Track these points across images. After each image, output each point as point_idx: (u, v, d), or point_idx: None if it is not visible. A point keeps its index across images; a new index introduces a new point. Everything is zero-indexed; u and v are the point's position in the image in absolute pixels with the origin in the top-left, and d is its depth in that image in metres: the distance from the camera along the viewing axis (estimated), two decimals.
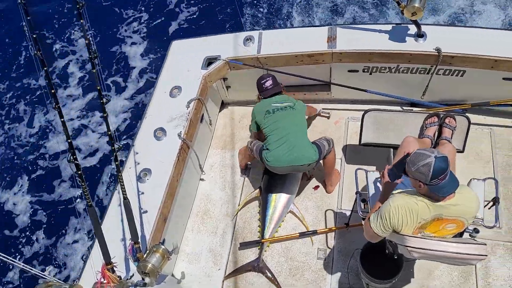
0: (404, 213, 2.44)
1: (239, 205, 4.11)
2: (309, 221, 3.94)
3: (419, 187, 2.38)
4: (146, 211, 3.39)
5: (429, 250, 2.40)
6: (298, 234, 3.82)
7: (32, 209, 6.03)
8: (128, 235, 2.84)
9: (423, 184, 2.32)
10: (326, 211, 3.97)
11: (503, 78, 3.76)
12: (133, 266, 2.95)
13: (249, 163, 4.30)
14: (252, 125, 3.93)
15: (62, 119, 1.98)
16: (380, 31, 3.90)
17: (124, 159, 3.69)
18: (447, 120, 3.49)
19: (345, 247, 3.75)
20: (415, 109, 4.15)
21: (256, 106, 3.90)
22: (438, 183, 2.28)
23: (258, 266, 3.77)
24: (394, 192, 2.73)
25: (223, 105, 4.83)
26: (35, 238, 5.77)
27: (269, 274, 3.73)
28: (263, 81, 3.90)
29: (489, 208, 3.02)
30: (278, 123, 3.66)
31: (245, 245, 3.89)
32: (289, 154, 3.55)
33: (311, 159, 3.56)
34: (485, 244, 2.45)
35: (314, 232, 3.82)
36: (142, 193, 3.48)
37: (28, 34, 1.75)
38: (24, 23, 1.70)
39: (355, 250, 3.58)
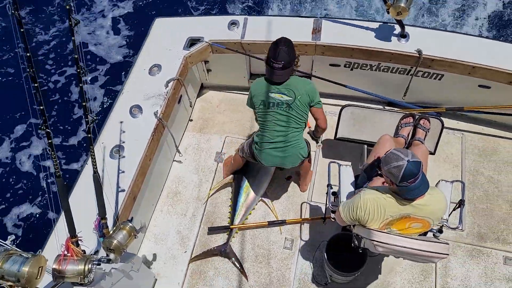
0: (372, 207, 2.50)
1: (210, 189, 4.10)
2: (279, 210, 3.96)
3: (391, 185, 2.45)
4: (116, 188, 3.34)
5: (394, 245, 2.46)
6: (267, 223, 3.85)
7: None
8: (95, 210, 2.79)
9: (393, 183, 2.38)
10: (296, 202, 4.00)
11: (479, 85, 3.86)
12: (98, 242, 2.91)
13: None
14: (248, 102, 3.50)
15: (35, 84, 1.91)
16: (365, 27, 3.93)
17: (97, 133, 3.61)
18: (421, 122, 3.56)
19: (312, 238, 3.79)
20: (392, 108, 4.21)
21: (254, 84, 3.38)
22: (406, 186, 2.34)
23: (225, 251, 3.78)
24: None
25: (202, 88, 4.78)
26: None
27: (234, 260, 3.75)
28: (274, 57, 3.10)
29: (454, 210, 3.11)
30: (271, 120, 3.31)
31: (213, 230, 3.89)
32: (279, 155, 3.39)
33: (300, 160, 3.46)
34: (448, 244, 2.52)
35: (283, 222, 3.85)
36: (113, 169, 3.42)
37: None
38: None
39: (322, 242, 3.63)
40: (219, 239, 3.88)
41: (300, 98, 3.22)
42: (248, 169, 3.97)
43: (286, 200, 4.03)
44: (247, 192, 3.92)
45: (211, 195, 4.09)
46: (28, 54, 1.84)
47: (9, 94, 6.49)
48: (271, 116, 3.30)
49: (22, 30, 1.78)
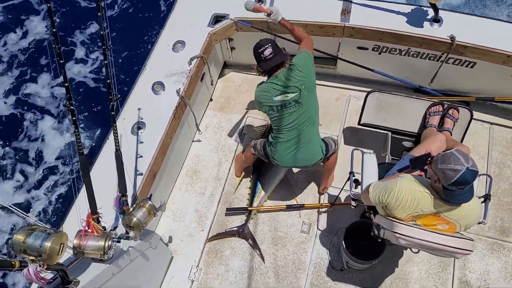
0: (406, 197, 2.44)
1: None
2: (298, 194, 3.93)
3: (435, 182, 2.35)
4: (136, 165, 3.34)
5: (418, 239, 2.40)
6: (285, 206, 3.83)
7: (21, 152, 5.96)
8: (116, 187, 2.80)
9: (439, 182, 2.29)
10: (315, 186, 3.96)
11: None
12: (118, 219, 2.94)
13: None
14: (257, 106, 3.44)
15: (61, 61, 1.89)
16: (396, 11, 3.78)
17: (119, 109, 3.60)
18: (450, 111, 3.45)
19: (330, 224, 3.77)
20: (419, 95, 4.09)
21: (257, 92, 3.31)
22: (454, 190, 2.25)
23: (243, 232, 3.79)
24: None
25: (225, 66, 4.71)
26: (20, 181, 5.74)
27: (251, 242, 3.76)
28: (261, 49, 3.16)
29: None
30: (287, 119, 3.20)
31: (232, 211, 3.89)
32: (295, 155, 3.29)
33: (316, 159, 3.34)
34: (472, 240, 2.46)
35: (301, 206, 3.83)
36: (134, 146, 3.42)
37: None
38: None
39: (340, 228, 3.60)
40: (236, 220, 3.89)
41: (306, 86, 3.13)
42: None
43: (305, 184, 3.99)
44: (269, 175, 3.88)
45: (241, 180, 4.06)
46: (54, 30, 1.82)
47: (35, 70, 6.57)
48: (284, 118, 3.20)
49: (48, 5, 1.75)
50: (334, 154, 3.46)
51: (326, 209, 3.82)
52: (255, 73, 3.41)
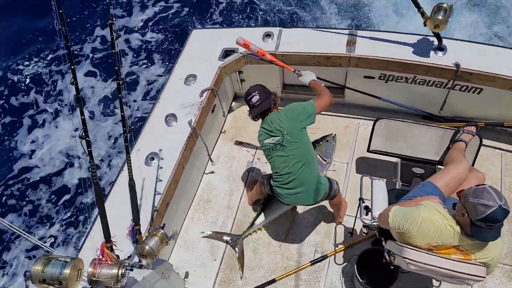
0: (428, 228, 2.40)
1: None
2: (309, 221, 3.94)
3: (462, 215, 2.31)
4: (149, 195, 3.41)
5: (427, 265, 2.39)
6: (310, 264, 3.65)
7: (38, 182, 6.12)
8: (129, 216, 2.86)
9: (468, 216, 2.24)
10: (327, 212, 3.96)
11: None
12: (131, 247, 2.98)
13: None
14: None
15: (78, 96, 2.00)
16: (400, 41, 3.88)
17: (133, 141, 3.72)
18: (462, 136, 3.46)
19: (342, 251, 3.74)
20: (428, 122, 4.12)
21: (258, 132, 3.45)
22: (481, 227, 2.20)
23: (235, 242, 3.88)
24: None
25: (235, 98, 4.84)
26: (38, 211, 5.87)
27: (238, 254, 3.83)
28: (249, 97, 3.35)
29: None
30: (278, 161, 3.28)
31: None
32: (296, 196, 3.32)
33: (319, 197, 3.34)
34: (485, 266, 2.43)
35: (325, 257, 3.65)
36: (148, 176, 3.50)
37: (54, 8, 1.76)
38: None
39: (352, 255, 3.58)
40: (246, 245, 3.90)
41: (288, 132, 3.22)
42: None
43: (315, 210, 3.99)
44: (274, 201, 3.88)
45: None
46: (72, 67, 1.93)
47: (53, 101, 6.84)
48: (275, 160, 3.30)
49: (67, 44, 1.88)
50: (337, 195, 3.47)
51: (339, 235, 3.80)
52: None
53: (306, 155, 3.27)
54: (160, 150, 3.66)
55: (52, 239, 5.46)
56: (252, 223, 3.94)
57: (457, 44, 3.83)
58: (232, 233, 3.95)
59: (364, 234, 3.24)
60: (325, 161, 4.03)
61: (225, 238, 3.93)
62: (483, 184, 2.27)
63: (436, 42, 3.77)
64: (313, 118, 3.28)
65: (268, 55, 3.72)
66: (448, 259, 2.40)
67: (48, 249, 2.17)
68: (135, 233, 2.82)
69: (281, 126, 3.24)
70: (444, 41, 3.75)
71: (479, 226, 2.20)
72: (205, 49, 4.26)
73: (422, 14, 3.49)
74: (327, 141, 4.08)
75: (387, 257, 2.85)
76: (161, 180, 3.50)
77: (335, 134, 4.17)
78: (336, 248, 3.73)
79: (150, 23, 7.64)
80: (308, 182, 3.27)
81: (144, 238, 2.81)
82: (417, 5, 3.49)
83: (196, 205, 4.18)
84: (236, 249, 3.87)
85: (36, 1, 7.47)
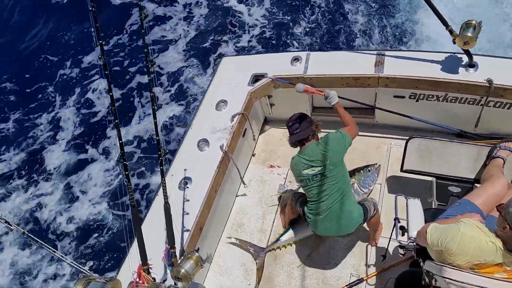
0: (469, 245, 2.32)
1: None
2: (342, 242, 3.88)
3: (503, 229, 2.24)
4: (184, 218, 3.47)
5: (469, 284, 2.29)
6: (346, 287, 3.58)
7: (77, 204, 6.36)
8: (165, 239, 2.91)
9: (510, 229, 2.18)
10: (360, 233, 3.89)
11: None
12: (167, 270, 3.02)
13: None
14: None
15: (116, 121, 2.10)
16: (430, 59, 3.86)
17: (168, 165, 3.82)
18: (499, 153, 3.38)
19: (379, 274, 3.66)
20: (462, 140, 4.04)
21: (291, 164, 3.51)
22: None
23: (258, 254, 3.90)
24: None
25: (266, 121, 4.90)
26: (75, 234, 6.05)
27: (258, 266, 3.84)
28: (289, 124, 3.41)
29: None
30: (314, 191, 3.31)
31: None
32: (330, 226, 3.33)
33: (353, 228, 3.34)
34: None
35: (361, 280, 3.60)
36: (182, 200, 3.57)
37: (95, 40, 1.88)
38: (92, 30, 1.83)
39: (390, 278, 3.49)
40: (281, 271, 3.86)
41: (330, 161, 3.23)
42: None
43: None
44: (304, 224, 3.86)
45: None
46: (110, 94, 2.04)
47: (91, 126, 7.20)
48: (312, 190, 3.32)
49: (106, 72, 1.98)
50: (375, 215, 3.46)
51: (373, 257, 3.73)
52: None
53: (344, 186, 3.30)
54: (193, 174, 3.74)
55: (92, 262, 5.59)
56: (278, 238, 3.94)
57: (488, 60, 3.77)
58: (256, 245, 3.97)
59: (401, 255, 3.16)
60: (362, 191, 3.98)
61: (249, 248, 3.97)
62: None
63: (466, 59, 3.73)
64: (348, 146, 3.33)
65: (310, 89, 3.73)
66: (493, 278, 2.31)
67: (86, 272, 2.23)
68: (170, 256, 2.85)
69: (323, 156, 3.25)
70: (475, 58, 3.71)
71: None
72: (235, 75, 4.38)
73: (451, 32, 3.48)
74: (369, 170, 4.04)
75: (426, 278, 2.76)
76: (194, 204, 3.55)
77: (379, 165, 4.13)
78: (372, 271, 3.65)
79: (183, 51, 8.00)
80: (343, 215, 3.27)
81: (179, 261, 2.84)
82: (445, 23, 3.49)
83: (229, 229, 4.20)
84: (258, 261, 3.89)
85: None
